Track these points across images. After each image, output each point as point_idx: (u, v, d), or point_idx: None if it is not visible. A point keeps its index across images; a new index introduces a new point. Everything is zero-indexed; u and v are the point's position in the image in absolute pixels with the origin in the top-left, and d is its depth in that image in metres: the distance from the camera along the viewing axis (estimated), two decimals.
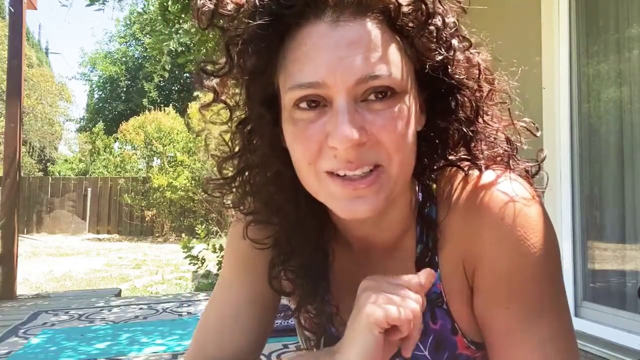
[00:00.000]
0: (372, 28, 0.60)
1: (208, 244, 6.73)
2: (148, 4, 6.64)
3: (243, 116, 0.71)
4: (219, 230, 10.54)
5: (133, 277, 7.62)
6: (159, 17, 5.32)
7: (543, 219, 0.67)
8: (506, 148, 0.72)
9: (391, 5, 0.60)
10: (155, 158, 14.85)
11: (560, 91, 2.76)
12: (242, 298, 0.82)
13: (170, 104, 18.94)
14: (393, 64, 0.61)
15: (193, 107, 12.26)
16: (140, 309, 4.83)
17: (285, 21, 0.61)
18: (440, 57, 0.64)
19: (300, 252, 0.76)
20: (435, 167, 0.71)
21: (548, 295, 0.66)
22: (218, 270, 5.97)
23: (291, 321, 0.91)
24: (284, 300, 0.86)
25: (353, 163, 0.60)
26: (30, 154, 18.49)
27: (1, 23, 15.40)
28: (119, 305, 5.01)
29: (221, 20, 0.64)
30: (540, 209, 0.68)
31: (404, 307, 0.58)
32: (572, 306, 2.72)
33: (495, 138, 0.71)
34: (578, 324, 2.65)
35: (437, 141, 0.70)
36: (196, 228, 7.87)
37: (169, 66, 6.15)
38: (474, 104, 0.68)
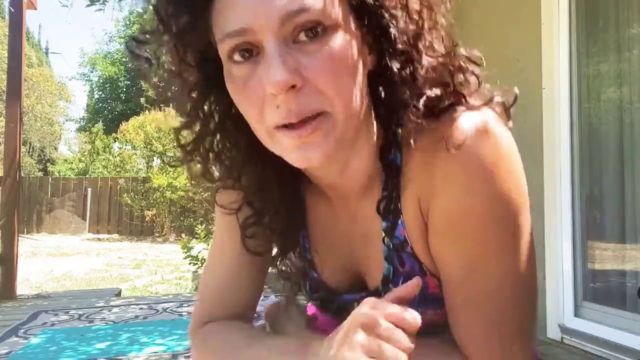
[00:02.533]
0: None
1: (208, 244, 6.73)
2: (148, 4, 6.64)
3: (188, 82, 0.68)
4: None
5: (133, 277, 7.62)
6: None
7: (504, 156, 0.62)
8: (464, 84, 0.66)
9: None
10: (155, 158, 14.85)
11: (560, 91, 2.76)
12: (235, 256, 0.84)
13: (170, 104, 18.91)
14: None
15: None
16: (141, 309, 4.83)
17: None
18: None
19: (274, 208, 0.77)
20: (397, 110, 0.65)
21: (504, 235, 0.63)
22: None
23: None
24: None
25: (293, 111, 0.59)
26: (30, 154, 18.51)
27: (1, 23, 15.42)
28: (119, 305, 5.01)
29: None
30: (504, 145, 0.63)
31: (385, 358, 0.55)
32: (572, 306, 2.72)
33: (454, 75, 0.66)
34: (578, 324, 2.65)
35: (392, 82, 0.65)
36: (196, 228, 7.86)
37: None
38: (419, 37, 0.64)
